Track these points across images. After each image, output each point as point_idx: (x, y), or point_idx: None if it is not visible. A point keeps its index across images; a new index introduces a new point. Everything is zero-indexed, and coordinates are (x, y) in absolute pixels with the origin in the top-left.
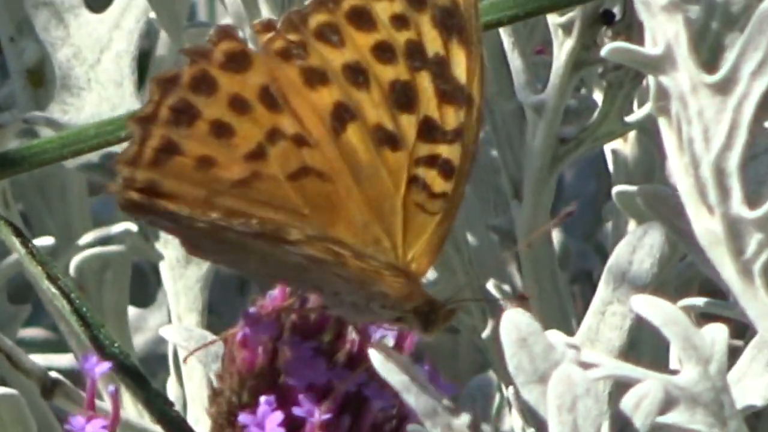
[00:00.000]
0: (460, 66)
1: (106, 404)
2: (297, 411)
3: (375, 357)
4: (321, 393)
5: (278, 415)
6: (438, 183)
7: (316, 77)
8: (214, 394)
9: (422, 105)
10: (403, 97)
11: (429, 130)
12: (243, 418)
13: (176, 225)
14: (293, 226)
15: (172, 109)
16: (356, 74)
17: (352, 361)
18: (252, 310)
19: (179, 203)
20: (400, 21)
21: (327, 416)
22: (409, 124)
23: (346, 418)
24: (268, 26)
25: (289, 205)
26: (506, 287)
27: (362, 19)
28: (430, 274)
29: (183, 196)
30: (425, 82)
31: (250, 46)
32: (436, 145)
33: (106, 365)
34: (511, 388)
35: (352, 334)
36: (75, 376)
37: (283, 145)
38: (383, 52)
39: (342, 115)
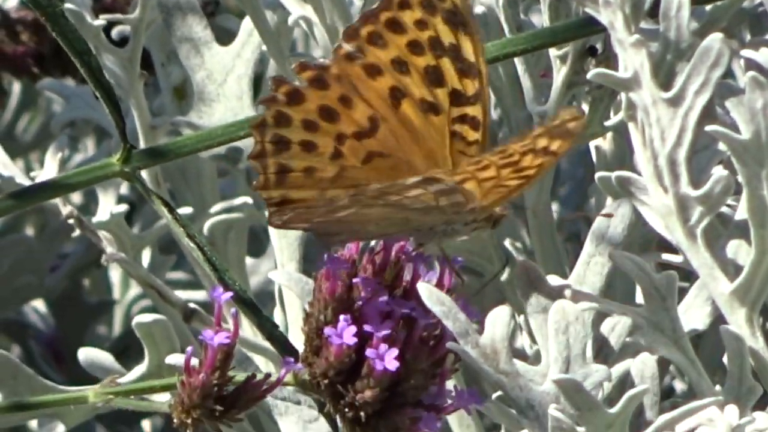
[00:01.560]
0: (468, 50)
1: (230, 326)
2: (366, 327)
3: (423, 291)
4: (384, 315)
5: (353, 329)
6: (470, 134)
7: (374, 70)
8: (307, 316)
9: (448, 80)
10: (434, 77)
11: (457, 98)
12: (327, 330)
13: (309, 226)
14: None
15: (271, 143)
16: (400, 65)
17: (407, 293)
18: (327, 255)
19: (307, 203)
20: (421, 23)
21: (388, 331)
22: (443, 95)
23: (401, 333)
24: (304, 66)
25: (374, 183)
26: (518, 244)
27: (396, 25)
28: None
29: (305, 199)
30: (447, 65)
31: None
32: (463, 108)
33: (228, 294)
34: (522, 316)
35: (407, 275)
36: (208, 307)
37: (349, 143)
38: (414, 47)
39: (396, 95)
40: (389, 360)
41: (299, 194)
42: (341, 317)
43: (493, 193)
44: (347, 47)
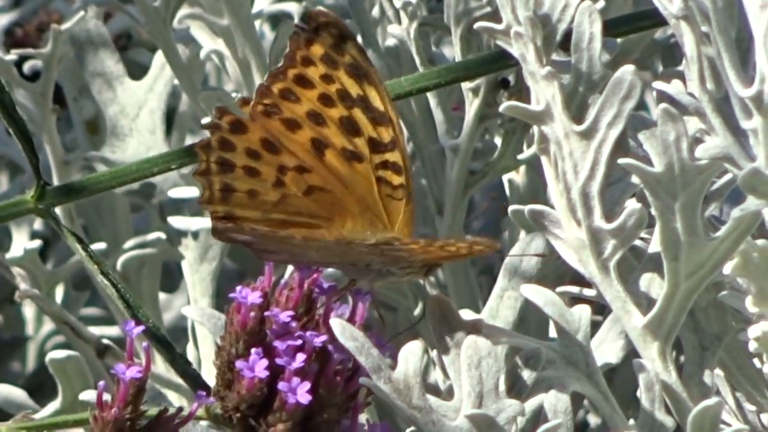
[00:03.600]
0: (375, 99)
1: (142, 361)
2: (279, 360)
3: (335, 326)
4: (296, 348)
5: (264, 362)
6: (395, 178)
7: (292, 124)
8: (218, 350)
9: (364, 130)
10: (350, 127)
11: (375, 145)
12: (239, 363)
13: (251, 240)
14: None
15: (216, 163)
16: (315, 117)
17: (319, 326)
18: (240, 288)
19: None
20: (327, 78)
21: (300, 364)
22: (362, 143)
23: (314, 366)
24: (246, 101)
25: (314, 213)
26: (431, 278)
27: (304, 81)
28: None
29: (248, 217)
30: (359, 114)
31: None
32: (383, 155)
33: (140, 327)
34: (434, 350)
35: (319, 310)
36: (121, 343)
37: (290, 174)
38: (325, 100)
39: (319, 146)
40: (301, 393)
41: (243, 213)
42: (253, 350)
43: (427, 256)
44: (261, 104)
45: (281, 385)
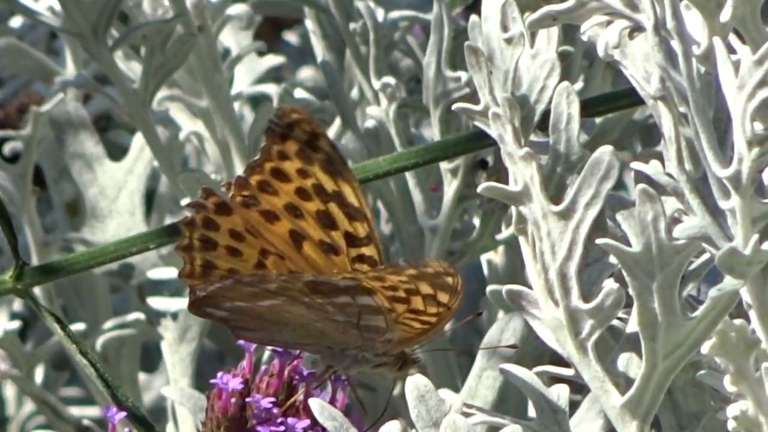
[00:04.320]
0: (350, 195)
1: None
2: None
3: (314, 406)
4: None
5: None
6: None
7: (270, 216)
8: None
9: (340, 224)
10: (327, 221)
11: (351, 239)
12: None
13: (228, 316)
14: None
15: (199, 241)
16: (293, 210)
17: (300, 412)
18: (221, 374)
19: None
20: (302, 172)
21: None
22: (338, 237)
23: None
24: (229, 186)
25: None
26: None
27: (281, 174)
28: None
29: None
30: (335, 209)
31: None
32: (359, 248)
33: (122, 414)
34: (413, 431)
35: (300, 396)
36: (101, 423)
37: (272, 258)
38: (302, 194)
39: (296, 238)
40: None
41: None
42: None
43: (400, 328)
44: (239, 195)
45: None
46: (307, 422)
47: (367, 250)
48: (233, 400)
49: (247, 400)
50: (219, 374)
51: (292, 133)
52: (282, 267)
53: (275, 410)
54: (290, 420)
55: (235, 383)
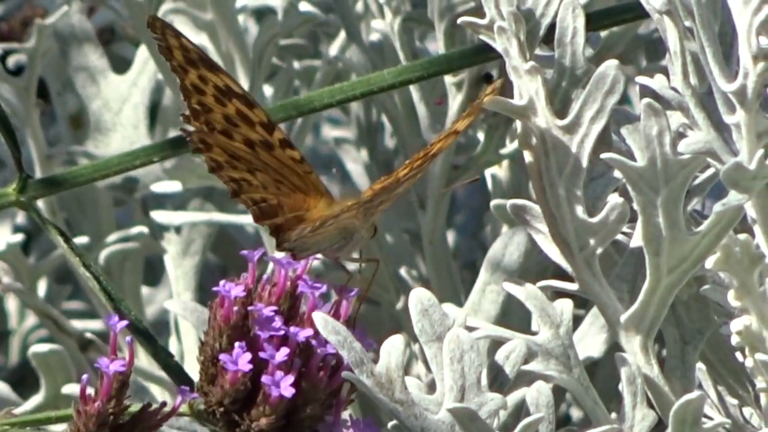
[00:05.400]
0: (233, 84)
1: (125, 355)
2: (262, 354)
3: (318, 320)
4: (280, 342)
5: (248, 356)
6: (294, 153)
7: (227, 134)
8: (202, 345)
9: (253, 117)
10: (247, 119)
11: (265, 128)
12: (222, 357)
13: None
14: None
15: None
16: (229, 120)
17: (303, 322)
18: (223, 282)
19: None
20: (202, 79)
21: (284, 358)
22: (261, 131)
23: (298, 361)
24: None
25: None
26: (414, 273)
27: (223, 94)
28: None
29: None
30: (240, 105)
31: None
32: (273, 134)
33: (124, 322)
34: (417, 344)
35: (302, 307)
36: (104, 337)
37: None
38: (219, 98)
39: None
40: (285, 387)
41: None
42: (236, 344)
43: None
44: (202, 123)
45: (264, 378)
46: (309, 331)
47: (279, 134)
48: (235, 308)
49: (249, 308)
50: (221, 282)
51: (171, 54)
52: (267, 175)
53: (277, 318)
54: (292, 329)
55: (237, 291)
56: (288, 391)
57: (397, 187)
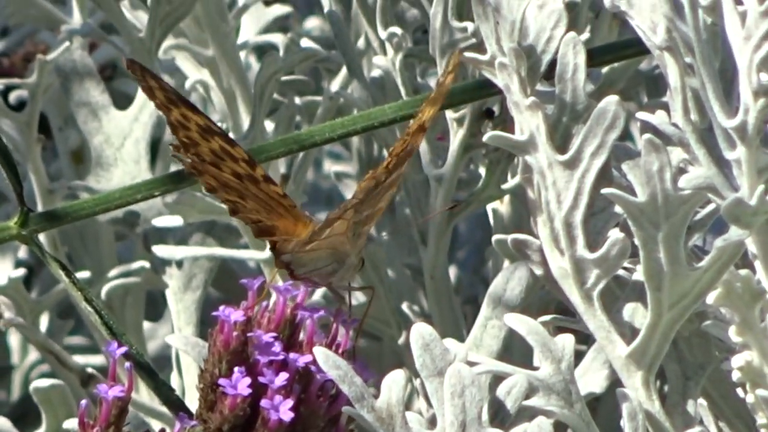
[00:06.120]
0: (201, 119)
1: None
2: (261, 379)
3: (319, 354)
4: (279, 367)
5: (247, 380)
6: (277, 189)
7: (215, 164)
8: (202, 373)
9: (236, 153)
10: (230, 155)
11: (248, 164)
12: (222, 382)
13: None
14: None
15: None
16: (215, 155)
17: (302, 350)
18: (223, 307)
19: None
20: (186, 117)
21: (283, 382)
22: (245, 166)
23: (297, 386)
24: (177, 148)
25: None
26: (415, 308)
27: (206, 132)
28: (361, 297)
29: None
30: (222, 142)
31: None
32: (256, 170)
33: (123, 348)
34: (418, 380)
35: (300, 335)
36: (106, 372)
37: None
38: (204, 134)
39: (239, 177)
40: (284, 411)
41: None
42: (236, 369)
43: None
44: (191, 156)
45: (264, 403)
46: (308, 358)
47: (260, 170)
48: (235, 333)
49: (249, 334)
50: (221, 308)
51: (153, 94)
52: (257, 204)
53: (276, 344)
54: (292, 355)
55: (237, 315)
56: (287, 415)
57: (378, 191)
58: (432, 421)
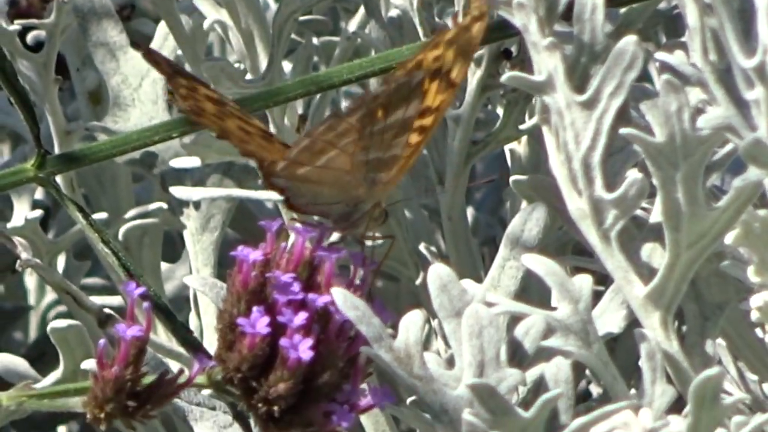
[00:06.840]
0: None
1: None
2: (280, 318)
3: (337, 295)
4: (298, 306)
5: (266, 319)
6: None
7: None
8: (220, 313)
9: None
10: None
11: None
12: (240, 320)
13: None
14: None
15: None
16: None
17: (320, 291)
18: (241, 247)
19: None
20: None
21: (303, 321)
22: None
23: (316, 326)
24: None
25: None
26: (433, 249)
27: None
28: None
29: None
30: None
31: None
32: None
33: (141, 288)
34: (436, 320)
35: (320, 278)
36: (123, 312)
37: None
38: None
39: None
40: (303, 349)
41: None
42: (254, 308)
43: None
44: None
45: (283, 341)
46: (327, 298)
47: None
48: (254, 273)
49: (267, 275)
50: (240, 247)
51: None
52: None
53: (295, 284)
54: (310, 295)
55: (256, 255)
56: (306, 354)
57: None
58: (450, 362)
